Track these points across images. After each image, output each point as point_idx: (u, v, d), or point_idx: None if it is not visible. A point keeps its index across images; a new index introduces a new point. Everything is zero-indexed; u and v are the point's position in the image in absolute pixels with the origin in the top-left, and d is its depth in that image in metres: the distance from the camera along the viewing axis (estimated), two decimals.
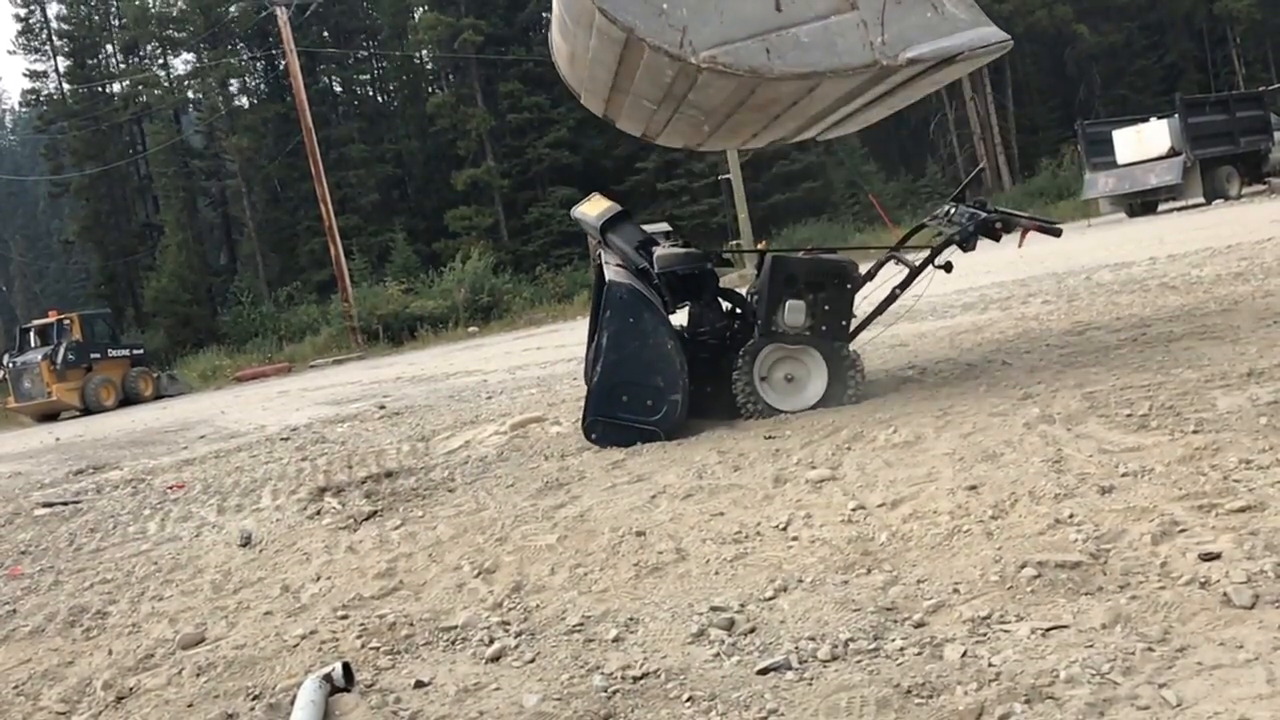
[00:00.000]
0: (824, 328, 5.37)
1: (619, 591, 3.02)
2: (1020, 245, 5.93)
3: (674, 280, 5.42)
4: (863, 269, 5.93)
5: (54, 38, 51.99)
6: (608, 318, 5.22)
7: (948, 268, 5.75)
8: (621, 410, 5.23)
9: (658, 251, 5.37)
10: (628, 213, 5.75)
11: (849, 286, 5.48)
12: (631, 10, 4.61)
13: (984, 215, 5.58)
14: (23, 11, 52.11)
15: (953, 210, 5.85)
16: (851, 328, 5.61)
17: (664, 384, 5.19)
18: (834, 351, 5.36)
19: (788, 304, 5.30)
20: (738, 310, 5.77)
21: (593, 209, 5.96)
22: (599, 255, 5.88)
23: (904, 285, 5.78)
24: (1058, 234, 5.79)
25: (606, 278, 5.40)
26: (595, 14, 4.67)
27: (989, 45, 4.88)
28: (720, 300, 5.76)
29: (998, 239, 5.72)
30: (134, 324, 44.89)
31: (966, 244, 5.58)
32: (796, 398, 5.36)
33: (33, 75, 53.29)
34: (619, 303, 5.20)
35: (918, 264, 5.72)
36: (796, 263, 5.56)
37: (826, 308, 5.39)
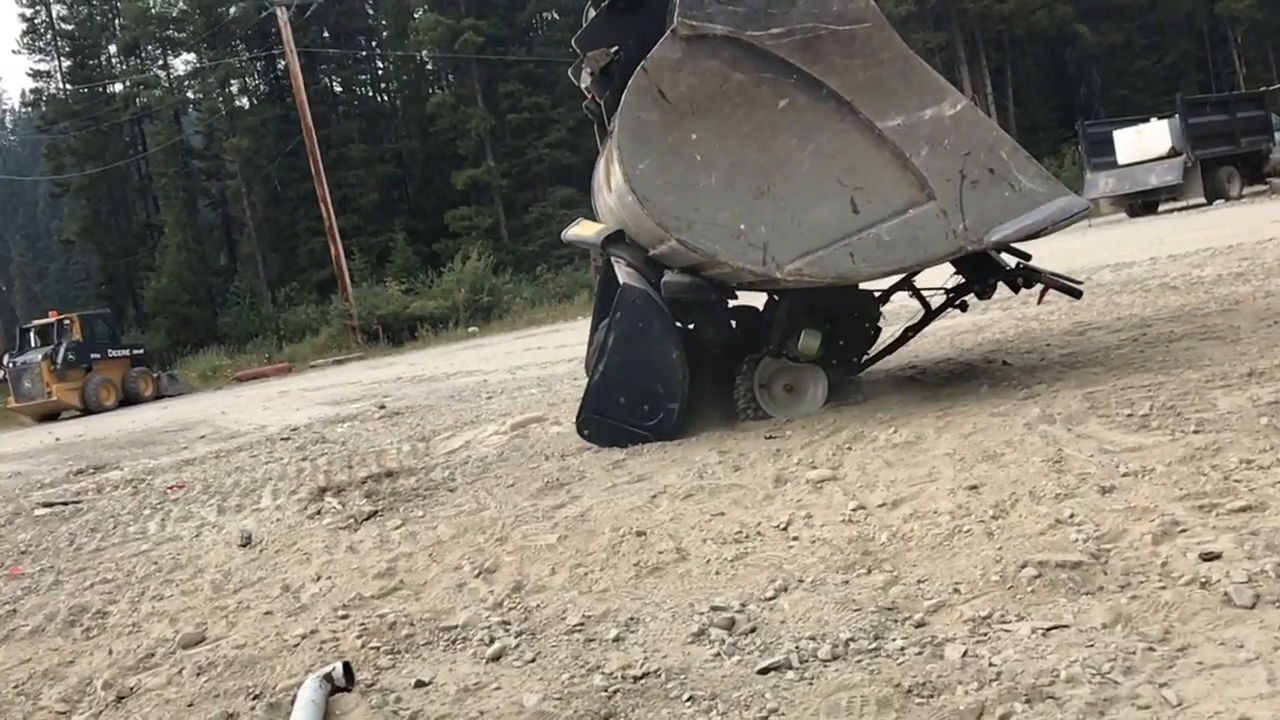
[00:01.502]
0: (834, 361, 5.35)
1: (619, 591, 3.02)
2: (1040, 302, 5.83)
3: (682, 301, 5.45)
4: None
5: (58, 38, 52.02)
6: (618, 319, 5.22)
7: (963, 307, 5.75)
8: (618, 411, 5.24)
9: (666, 277, 5.36)
10: (621, 233, 5.73)
11: (866, 325, 5.46)
12: (710, 236, 4.66)
13: (1007, 269, 5.49)
14: (29, 11, 52.16)
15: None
16: (862, 361, 5.60)
17: (664, 391, 5.21)
18: (840, 377, 5.37)
19: (804, 332, 5.20)
20: (748, 326, 5.74)
21: (587, 230, 5.98)
22: (610, 255, 5.88)
23: (918, 327, 5.79)
24: (1079, 295, 5.69)
25: (621, 280, 5.39)
26: (671, 239, 4.72)
27: (1071, 216, 4.88)
28: (730, 320, 5.75)
29: (1017, 291, 5.67)
30: (134, 324, 44.86)
31: (985, 294, 5.57)
32: (795, 407, 5.36)
33: (36, 75, 53.39)
34: (631, 306, 5.21)
35: (935, 307, 5.72)
36: (819, 294, 5.35)
37: (841, 343, 5.35)
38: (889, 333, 5.91)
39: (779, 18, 4.83)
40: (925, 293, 5.70)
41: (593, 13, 5.83)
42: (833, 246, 4.66)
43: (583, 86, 5.85)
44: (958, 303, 5.70)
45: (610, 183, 5.32)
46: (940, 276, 5.78)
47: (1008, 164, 4.84)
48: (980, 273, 5.45)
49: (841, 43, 4.86)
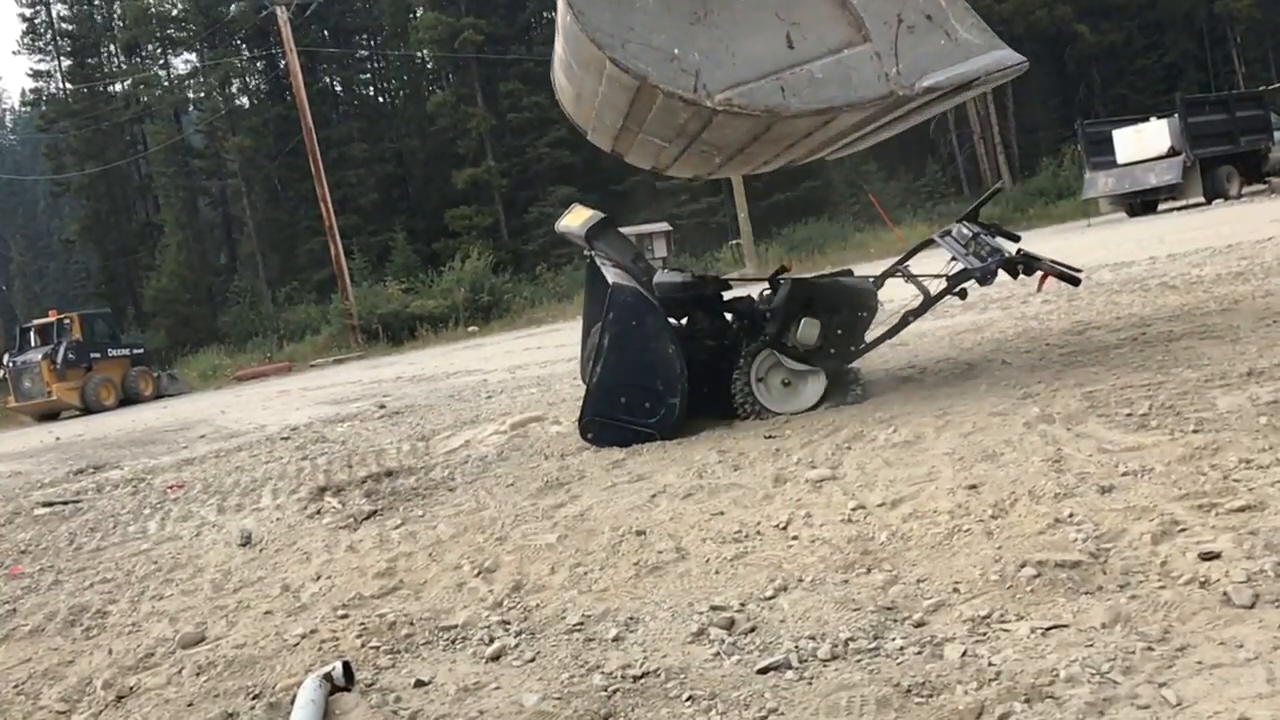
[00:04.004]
0: (833, 350, 5.38)
1: (619, 591, 3.02)
2: (1039, 290, 5.82)
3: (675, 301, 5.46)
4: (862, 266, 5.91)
5: (58, 38, 52.04)
6: (610, 320, 5.23)
7: (962, 294, 5.74)
8: (620, 411, 5.25)
9: (657, 279, 5.37)
10: (611, 220, 5.74)
11: (863, 314, 5.50)
12: (643, 58, 4.57)
13: (1007, 255, 5.48)
14: (29, 11, 52.16)
15: (972, 235, 5.68)
16: (860, 349, 5.62)
17: (663, 387, 5.22)
18: (837, 369, 5.39)
19: (803, 320, 5.27)
20: (742, 318, 5.75)
21: (575, 220, 5.98)
22: (593, 254, 5.90)
23: (918, 313, 5.78)
24: (1077, 283, 5.67)
25: (610, 280, 5.40)
26: (605, 62, 4.65)
27: (1005, 69, 4.83)
28: (724, 314, 5.75)
29: (1016, 277, 5.66)
30: (134, 323, 44.86)
31: (985, 280, 5.57)
32: (793, 402, 5.37)
33: (36, 75, 53.42)
34: (622, 306, 5.21)
35: (934, 294, 5.71)
36: (818, 286, 5.51)
37: (840, 331, 5.38)
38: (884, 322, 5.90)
39: None
40: (924, 280, 5.69)
41: None
42: (765, 79, 4.60)
43: None
44: (957, 290, 5.69)
45: (560, 26, 5.23)
46: (938, 265, 5.78)
47: (945, 11, 4.80)
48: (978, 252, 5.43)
49: None
